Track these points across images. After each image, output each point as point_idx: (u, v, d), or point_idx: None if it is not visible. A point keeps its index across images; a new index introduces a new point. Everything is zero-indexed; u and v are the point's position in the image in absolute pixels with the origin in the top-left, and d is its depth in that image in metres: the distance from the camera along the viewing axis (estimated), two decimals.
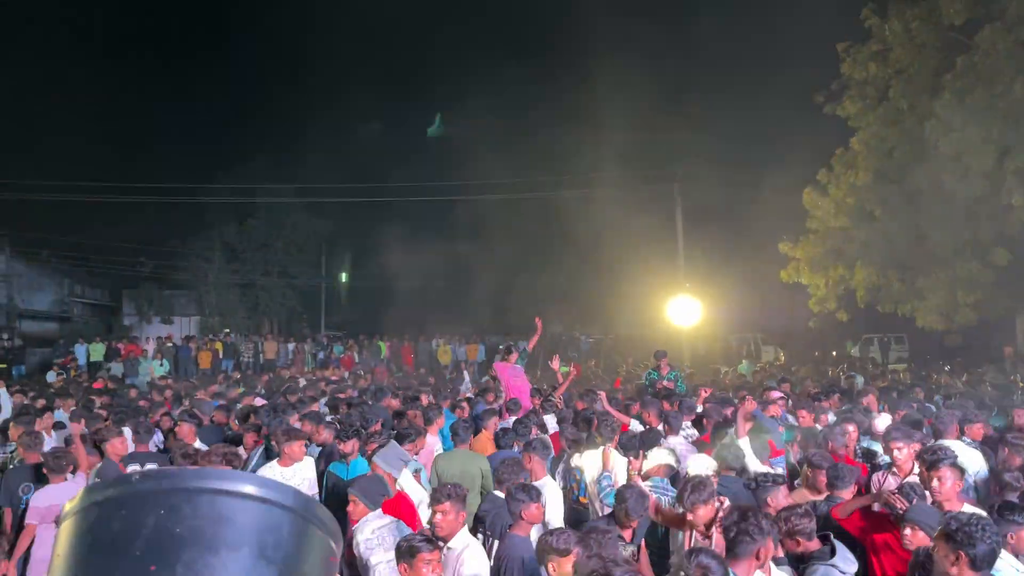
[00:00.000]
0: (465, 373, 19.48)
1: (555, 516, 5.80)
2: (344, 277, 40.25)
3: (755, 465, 6.41)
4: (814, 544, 4.37)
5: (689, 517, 4.61)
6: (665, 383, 11.91)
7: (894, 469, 5.95)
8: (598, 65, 30.97)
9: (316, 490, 6.59)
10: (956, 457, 5.52)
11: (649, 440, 6.97)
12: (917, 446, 6.06)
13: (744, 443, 6.67)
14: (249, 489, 1.43)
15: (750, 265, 26.86)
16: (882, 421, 7.97)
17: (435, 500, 4.70)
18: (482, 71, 41.05)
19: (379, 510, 5.08)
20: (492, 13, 41.08)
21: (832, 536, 4.46)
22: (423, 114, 39.15)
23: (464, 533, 4.70)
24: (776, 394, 9.67)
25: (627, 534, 4.89)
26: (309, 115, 47.12)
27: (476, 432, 8.13)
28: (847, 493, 5.41)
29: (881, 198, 20.17)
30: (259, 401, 11.41)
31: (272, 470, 6.48)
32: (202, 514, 1.38)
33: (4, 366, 22.48)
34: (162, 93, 44.03)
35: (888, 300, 21.12)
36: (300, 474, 6.52)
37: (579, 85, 33.70)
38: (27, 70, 36.67)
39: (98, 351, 25.36)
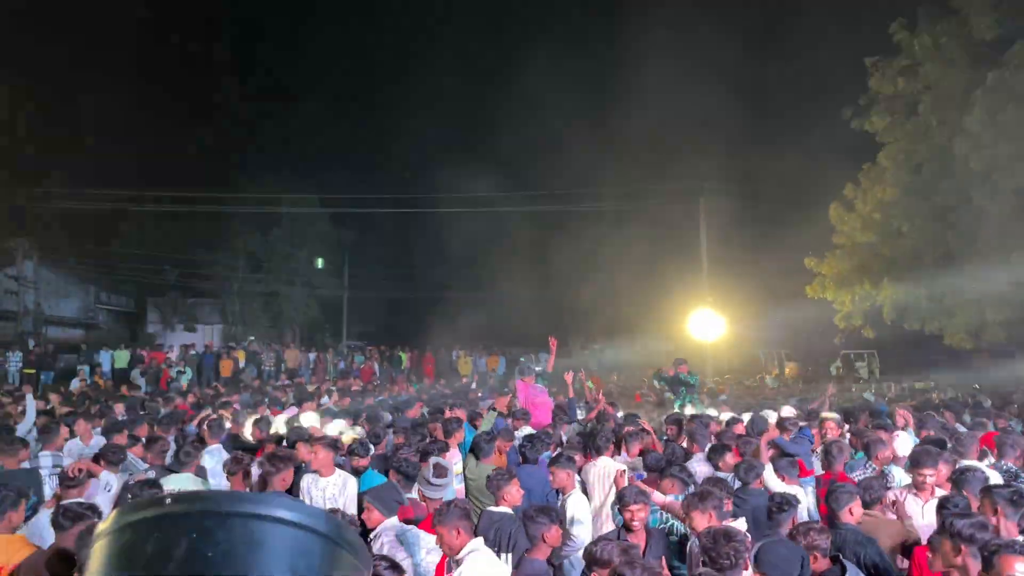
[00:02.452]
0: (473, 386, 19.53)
1: (583, 529, 5.76)
2: (365, 287, 40.27)
3: (780, 487, 6.33)
4: (825, 563, 4.31)
5: (688, 522, 4.86)
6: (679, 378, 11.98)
7: (914, 490, 5.87)
8: (623, 79, 31.03)
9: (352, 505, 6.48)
10: (986, 479, 5.44)
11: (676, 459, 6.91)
12: (945, 470, 5.99)
13: (768, 470, 6.59)
14: (282, 513, 1.41)
15: (775, 280, 26.67)
16: (901, 443, 7.82)
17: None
18: (506, 84, 41.24)
19: (395, 517, 5.00)
20: (517, 26, 41.36)
21: (842, 557, 4.42)
22: (447, 125, 39.41)
23: (473, 542, 4.48)
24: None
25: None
26: (334, 126, 47.56)
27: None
28: (843, 514, 5.21)
29: (909, 214, 19.97)
30: (292, 410, 11.49)
31: (312, 477, 6.44)
32: (235, 538, 1.36)
33: (32, 371, 22.72)
34: (188, 102, 44.58)
35: (915, 317, 20.86)
36: (333, 486, 6.35)
37: (605, 99, 33.79)
38: (55, 79, 37.29)
39: (122, 358, 25.60)
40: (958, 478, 5.49)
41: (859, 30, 21.75)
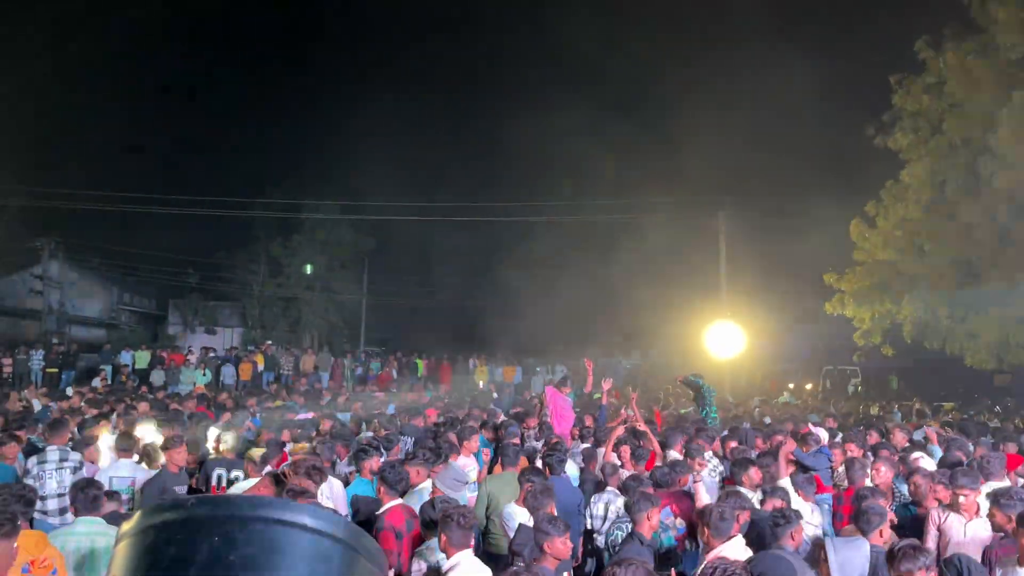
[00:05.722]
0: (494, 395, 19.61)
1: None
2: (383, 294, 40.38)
3: (798, 504, 6.29)
4: None
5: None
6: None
7: (962, 512, 5.76)
8: (645, 90, 31.06)
9: (342, 508, 6.48)
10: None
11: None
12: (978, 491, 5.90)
13: (785, 483, 6.58)
14: (303, 520, 1.44)
15: (793, 296, 26.52)
16: (925, 461, 7.78)
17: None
18: (530, 95, 41.36)
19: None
20: (541, 39, 41.49)
21: None
22: (467, 133, 39.57)
23: (458, 555, 4.59)
24: (819, 430, 9.50)
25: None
26: (357, 133, 47.85)
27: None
28: (873, 536, 5.12)
29: (932, 232, 19.78)
30: (303, 416, 11.55)
31: None
32: (256, 543, 1.39)
33: (56, 370, 23.00)
34: (215, 109, 45.09)
35: (936, 337, 20.64)
36: (320, 493, 6.35)
37: (627, 111, 33.79)
38: (84, 84, 37.83)
39: (143, 359, 25.83)
40: (996, 500, 5.35)
41: (883, 47, 21.65)
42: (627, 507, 5.54)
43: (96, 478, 6.56)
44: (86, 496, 5.01)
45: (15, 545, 3.81)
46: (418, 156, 37.12)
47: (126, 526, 1.48)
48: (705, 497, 6.20)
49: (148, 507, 1.49)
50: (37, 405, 12.69)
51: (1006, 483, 6.66)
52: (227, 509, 1.44)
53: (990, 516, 5.26)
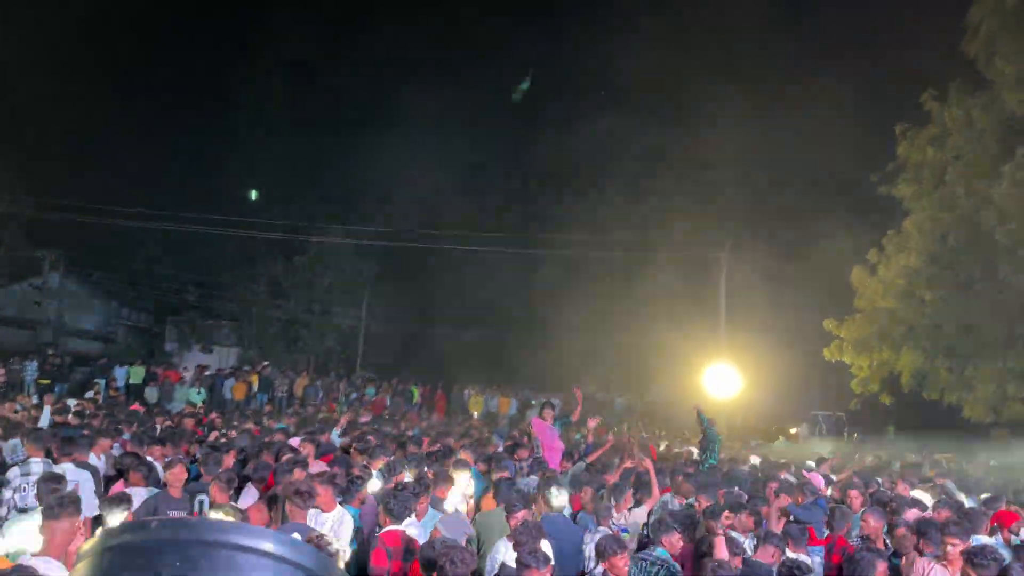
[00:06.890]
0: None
1: None
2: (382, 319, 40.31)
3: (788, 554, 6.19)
4: None
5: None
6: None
7: (944, 562, 5.72)
8: (649, 131, 31.25)
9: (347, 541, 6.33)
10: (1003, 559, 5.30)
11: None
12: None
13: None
14: (268, 547, 1.39)
15: (792, 341, 26.44)
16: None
17: None
18: (534, 132, 41.68)
19: None
20: (548, 75, 41.91)
21: None
22: (473, 165, 39.75)
23: None
24: (817, 478, 9.41)
25: None
26: (362, 159, 48.15)
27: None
28: None
29: (932, 283, 19.79)
30: (294, 441, 11.39)
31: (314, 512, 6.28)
32: (219, 568, 1.34)
33: (48, 382, 22.85)
34: (220, 128, 45.42)
35: (934, 387, 20.55)
36: (332, 522, 6.19)
37: (630, 150, 33.98)
38: (90, 101, 38.16)
39: (137, 374, 25.65)
40: (970, 559, 5.31)
41: (889, 96, 21.87)
42: (598, 551, 5.48)
43: None
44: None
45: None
46: (423, 186, 37.26)
47: (85, 546, 1.43)
48: (724, 552, 5.95)
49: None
50: (46, 419, 12.53)
51: (989, 540, 6.61)
52: (189, 532, 1.38)
53: (963, 574, 5.19)
